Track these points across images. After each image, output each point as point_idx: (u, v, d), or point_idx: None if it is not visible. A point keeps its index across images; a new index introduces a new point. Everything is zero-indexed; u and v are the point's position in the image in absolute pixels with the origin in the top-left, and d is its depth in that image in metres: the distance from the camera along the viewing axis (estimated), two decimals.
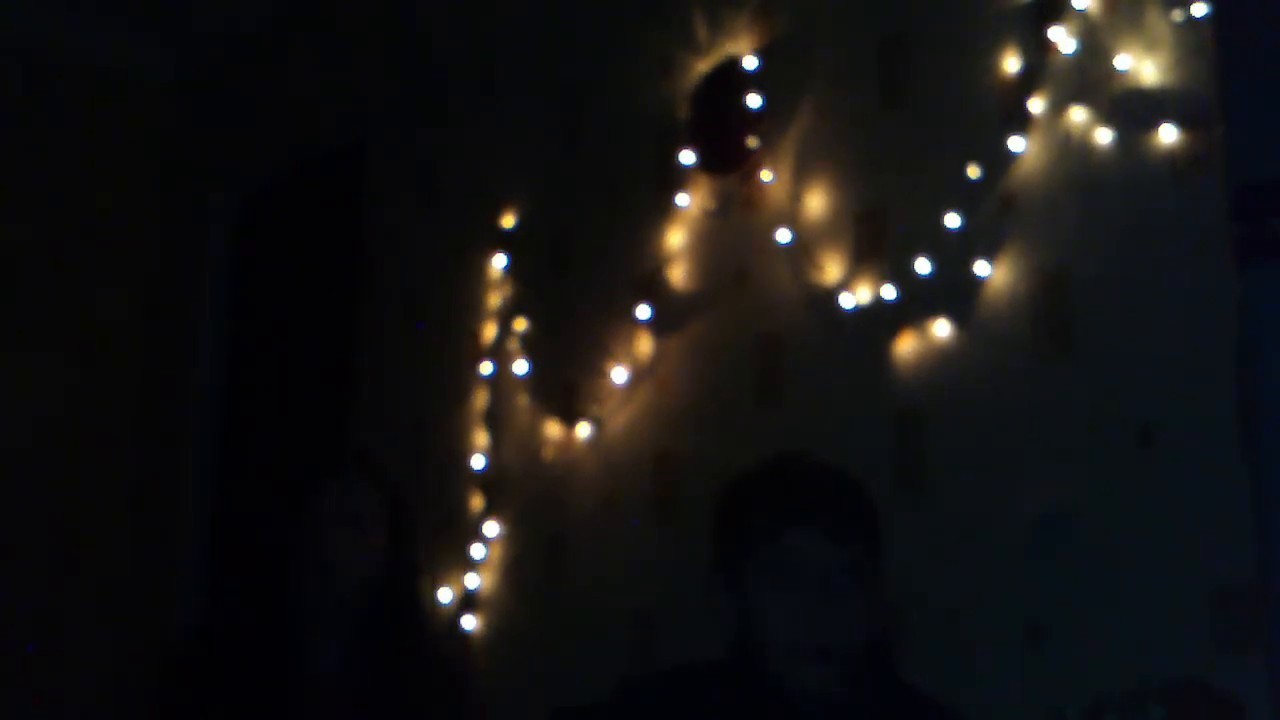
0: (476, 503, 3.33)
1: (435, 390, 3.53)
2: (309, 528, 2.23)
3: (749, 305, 2.87)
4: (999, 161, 2.49)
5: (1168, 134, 2.29)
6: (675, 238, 3.04)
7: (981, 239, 2.49)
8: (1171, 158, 2.28)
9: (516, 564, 3.24)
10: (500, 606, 3.25)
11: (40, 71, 4.56)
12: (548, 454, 3.21)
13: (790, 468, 1.89)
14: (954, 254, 2.52)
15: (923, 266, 2.55)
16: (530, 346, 3.31)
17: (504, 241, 3.43)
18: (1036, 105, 2.46)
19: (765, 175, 2.87)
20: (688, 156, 3.01)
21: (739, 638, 1.83)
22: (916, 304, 2.57)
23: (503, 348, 3.37)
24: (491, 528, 3.29)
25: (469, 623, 3.26)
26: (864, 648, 1.79)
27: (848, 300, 2.67)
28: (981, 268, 2.48)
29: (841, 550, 1.78)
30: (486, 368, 3.38)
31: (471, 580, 3.28)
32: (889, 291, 2.61)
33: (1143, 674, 2.14)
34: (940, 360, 2.54)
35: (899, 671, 1.90)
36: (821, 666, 1.75)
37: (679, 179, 3.03)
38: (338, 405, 3.85)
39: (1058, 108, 2.44)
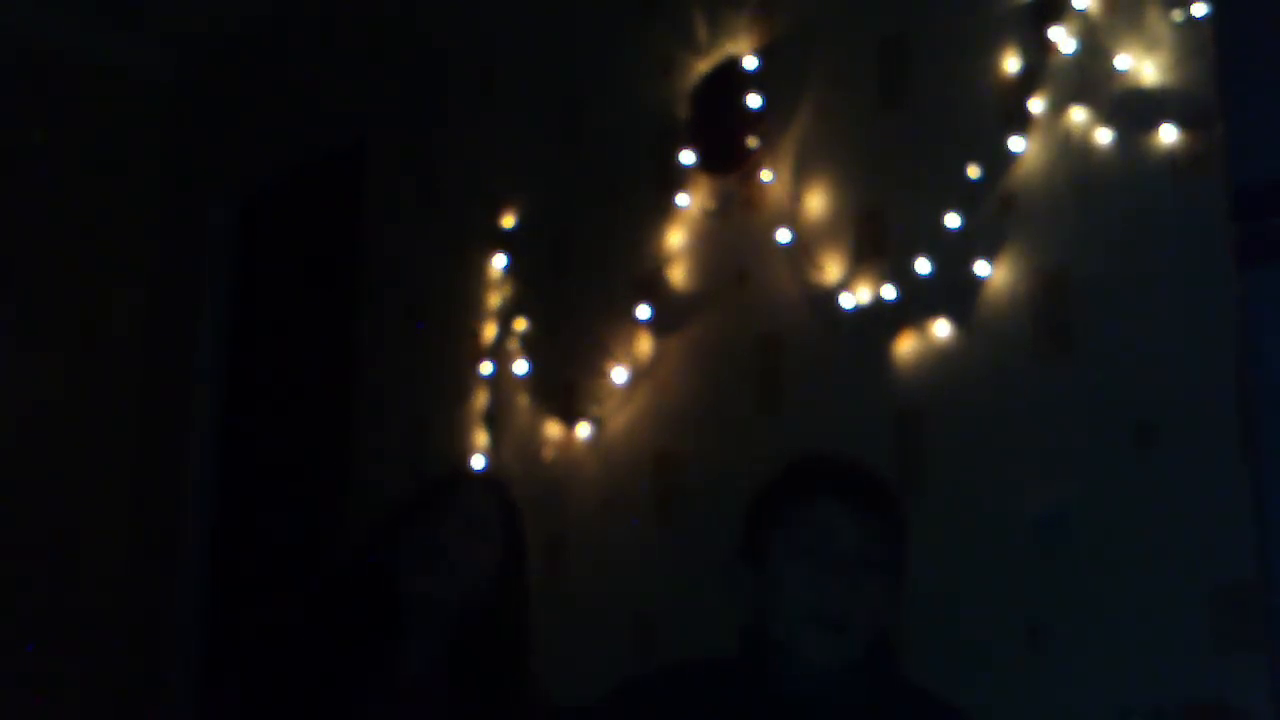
0: None
1: (435, 390, 3.53)
2: (429, 526, 2.23)
3: (749, 305, 2.87)
4: (999, 161, 2.49)
5: (1168, 134, 2.29)
6: (675, 238, 3.04)
7: (981, 239, 2.49)
8: (1171, 158, 2.28)
9: None
10: None
11: (40, 71, 4.56)
12: (548, 454, 3.21)
13: (822, 457, 1.97)
14: (954, 254, 2.52)
15: (923, 266, 2.55)
16: (530, 346, 3.31)
17: (504, 241, 3.43)
18: (1036, 105, 2.47)
19: (765, 175, 2.87)
20: (688, 156, 3.01)
21: (751, 616, 1.84)
22: (916, 304, 2.57)
23: (503, 348, 3.37)
24: None
25: None
26: (875, 636, 1.80)
27: (848, 300, 2.68)
28: (981, 268, 2.49)
29: (867, 529, 1.82)
30: (486, 368, 3.38)
31: None
32: (889, 291, 2.61)
33: (1148, 681, 2.14)
34: (940, 360, 2.54)
35: (905, 673, 1.90)
36: (833, 638, 1.77)
37: (679, 179, 3.03)
38: (338, 405, 3.85)
39: (1058, 108, 2.44)
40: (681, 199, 3.02)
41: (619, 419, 3.07)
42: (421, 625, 2.23)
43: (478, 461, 3.34)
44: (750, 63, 2.94)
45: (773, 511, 1.87)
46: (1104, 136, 2.38)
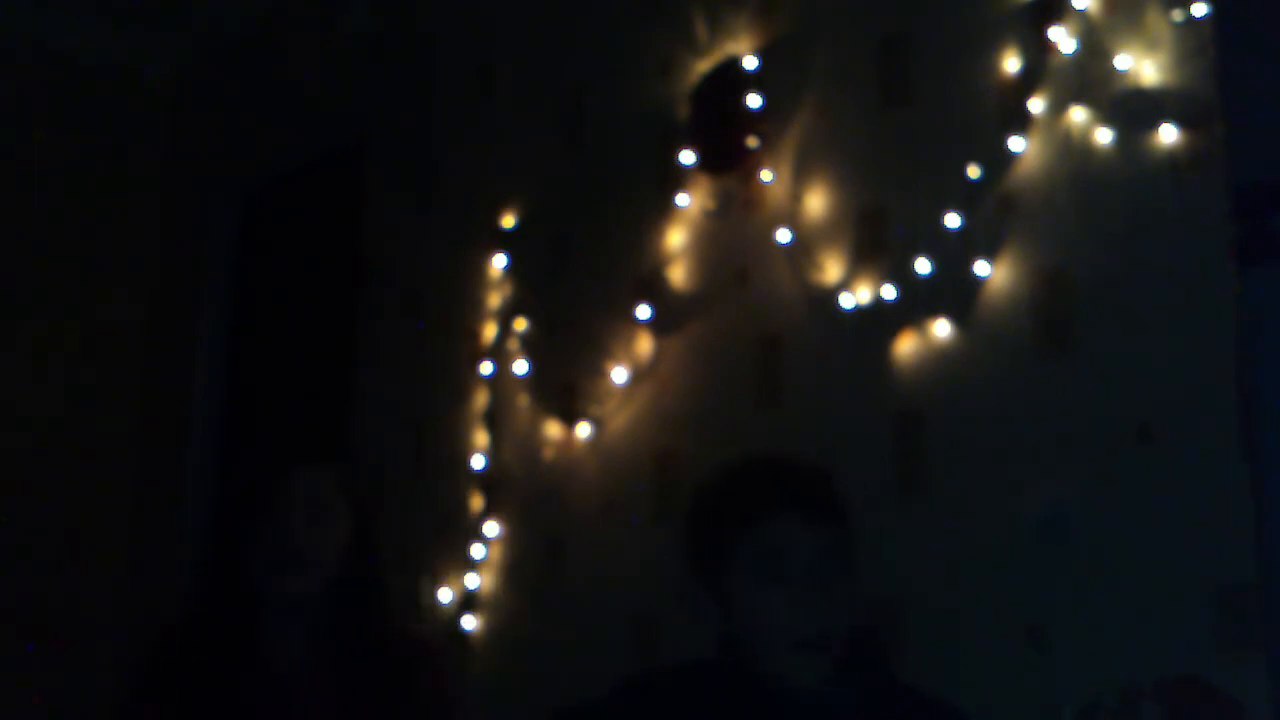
0: (476, 503, 3.33)
1: (435, 390, 3.53)
2: (269, 515, 2.20)
3: (749, 305, 2.87)
4: (999, 161, 2.49)
5: (1168, 134, 2.29)
6: (675, 238, 3.04)
7: (981, 239, 2.49)
8: (1171, 158, 2.28)
9: (516, 564, 3.24)
10: (500, 606, 3.25)
11: (40, 71, 4.56)
12: (548, 454, 3.21)
13: (753, 467, 1.90)
14: (954, 254, 2.52)
15: (923, 266, 2.55)
16: (530, 346, 3.31)
17: (504, 241, 3.43)
18: (1036, 105, 2.47)
19: (765, 175, 2.87)
20: (688, 156, 3.01)
21: (726, 639, 1.82)
22: (916, 304, 2.57)
23: (503, 348, 3.37)
24: (491, 528, 3.29)
25: (469, 623, 3.26)
26: (852, 638, 1.79)
27: (848, 300, 2.68)
28: (981, 268, 2.49)
29: (821, 534, 1.78)
30: (486, 368, 3.38)
31: (471, 580, 3.28)
32: (889, 291, 2.61)
33: (1140, 673, 2.14)
34: (940, 360, 2.54)
35: (895, 671, 1.89)
36: (817, 656, 1.75)
37: (679, 179, 3.03)
38: (338, 406, 3.85)
39: (1058, 108, 2.44)
40: (681, 199, 3.02)
41: (619, 419, 3.07)
42: (285, 621, 2.20)
43: (478, 461, 3.34)
44: (750, 63, 2.94)
45: (723, 532, 1.81)
46: (1104, 136, 2.38)
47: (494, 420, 3.35)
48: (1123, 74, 2.36)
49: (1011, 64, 2.52)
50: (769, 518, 1.79)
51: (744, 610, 1.78)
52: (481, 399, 3.38)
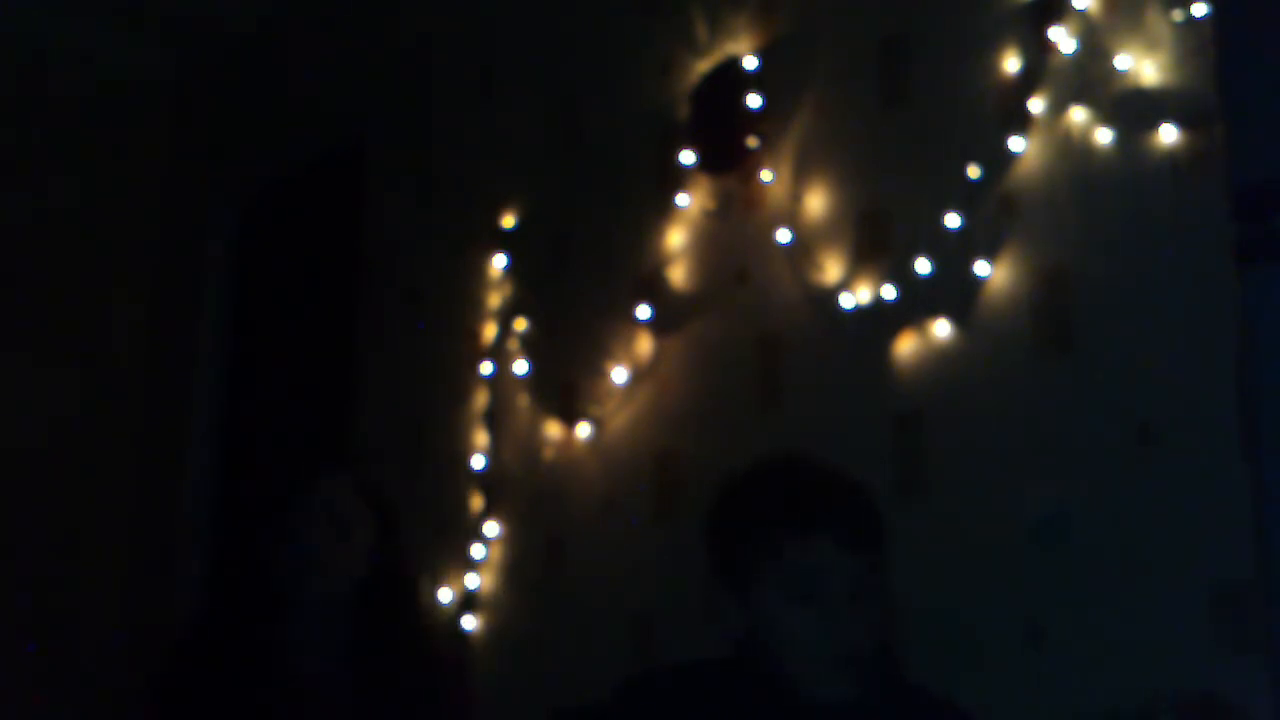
0: (476, 503, 3.33)
1: (435, 390, 3.53)
2: (292, 527, 2.23)
3: (749, 305, 2.87)
4: (999, 161, 2.49)
5: (1168, 134, 2.29)
6: (675, 238, 3.04)
7: (981, 239, 2.50)
8: (1171, 158, 2.28)
9: (516, 564, 3.24)
10: (500, 606, 3.25)
11: (40, 71, 4.56)
12: (548, 454, 3.21)
13: (793, 473, 1.84)
14: (954, 254, 2.52)
15: (923, 266, 2.55)
16: (530, 346, 3.31)
17: (504, 241, 3.43)
18: (1036, 105, 2.47)
19: (765, 175, 2.87)
20: (688, 156, 3.01)
21: (744, 640, 1.81)
22: (916, 304, 2.57)
23: (503, 348, 3.37)
24: (491, 528, 3.29)
25: (469, 623, 3.26)
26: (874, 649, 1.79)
27: (848, 300, 2.68)
28: (981, 268, 2.49)
29: (860, 557, 1.74)
30: (486, 368, 3.38)
31: (471, 580, 3.28)
32: (889, 291, 2.61)
33: (1148, 681, 2.13)
34: (940, 360, 2.54)
35: (904, 673, 1.89)
36: (849, 676, 1.74)
37: (679, 179, 3.03)
38: (338, 406, 3.85)
39: (1058, 108, 2.44)
40: (681, 199, 3.02)
41: (619, 419, 3.07)
42: (309, 625, 2.23)
43: (478, 461, 3.34)
44: (750, 63, 2.94)
45: (753, 549, 1.76)
46: (1104, 136, 2.38)
47: (494, 420, 3.35)
48: (1123, 74, 2.36)
49: (1011, 64, 2.52)
50: (809, 537, 1.73)
51: (775, 625, 1.75)
52: (481, 399, 3.38)
